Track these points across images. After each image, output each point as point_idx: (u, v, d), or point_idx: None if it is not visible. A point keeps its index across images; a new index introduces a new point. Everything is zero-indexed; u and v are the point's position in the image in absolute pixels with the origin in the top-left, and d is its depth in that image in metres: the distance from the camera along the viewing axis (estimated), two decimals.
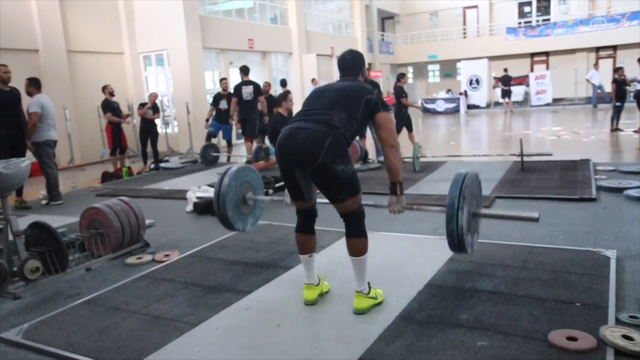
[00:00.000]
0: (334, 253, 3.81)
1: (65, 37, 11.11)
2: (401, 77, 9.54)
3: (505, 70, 19.85)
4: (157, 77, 13.93)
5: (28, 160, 3.62)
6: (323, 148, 2.57)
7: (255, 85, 8.90)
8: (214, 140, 10.13)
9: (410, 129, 9.32)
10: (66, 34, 11.15)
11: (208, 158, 9.35)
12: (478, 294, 2.95)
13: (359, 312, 2.80)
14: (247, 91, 8.66)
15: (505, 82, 19.42)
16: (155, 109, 9.56)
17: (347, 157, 2.66)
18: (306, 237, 2.95)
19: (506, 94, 19.47)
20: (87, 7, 11.86)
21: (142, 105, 9.55)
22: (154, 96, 9.59)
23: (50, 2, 10.68)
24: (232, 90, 9.27)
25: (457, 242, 2.66)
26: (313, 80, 15.08)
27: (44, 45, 10.57)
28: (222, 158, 10.13)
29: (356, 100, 2.73)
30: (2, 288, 3.44)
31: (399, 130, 9.09)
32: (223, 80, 9.86)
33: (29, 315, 3.18)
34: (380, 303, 2.89)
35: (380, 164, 8.11)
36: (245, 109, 8.71)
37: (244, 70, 8.98)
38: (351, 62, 2.95)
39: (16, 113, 6.39)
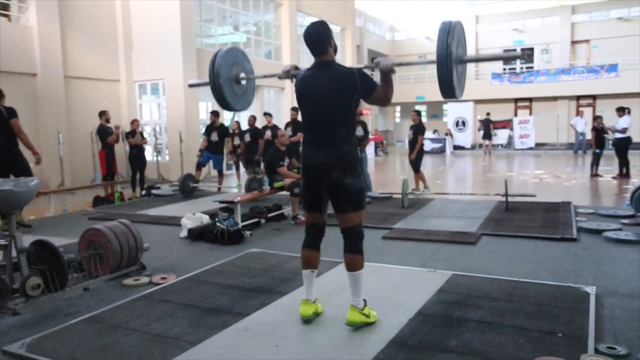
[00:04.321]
0: (328, 281, 3.93)
1: (64, 63, 11.32)
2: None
3: (488, 114, 20.77)
4: (150, 106, 14.14)
5: (37, 179, 3.73)
6: (335, 168, 2.95)
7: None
8: (204, 170, 10.27)
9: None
10: (64, 60, 11.37)
11: (186, 189, 9.24)
12: (466, 323, 3.10)
13: (351, 325, 2.99)
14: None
15: (487, 124, 20.33)
16: (140, 134, 9.74)
17: (356, 172, 3.01)
18: (312, 253, 3.15)
19: (487, 136, 20.38)
20: (86, 34, 12.14)
21: (129, 134, 9.67)
22: (137, 123, 9.74)
23: (51, 28, 10.93)
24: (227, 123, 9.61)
25: (447, 82, 2.83)
26: None
27: (42, 69, 10.75)
28: (213, 188, 10.27)
29: (348, 101, 2.95)
30: (2, 304, 3.50)
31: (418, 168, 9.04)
32: (212, 117, 9.96)
33: (29, 330, 3.24)
34: (372, 323, 3.06)
35: (370, 199, 8.29)
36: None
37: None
38: (317, 36, 2.96)
39: (4, 133, 6.19)
